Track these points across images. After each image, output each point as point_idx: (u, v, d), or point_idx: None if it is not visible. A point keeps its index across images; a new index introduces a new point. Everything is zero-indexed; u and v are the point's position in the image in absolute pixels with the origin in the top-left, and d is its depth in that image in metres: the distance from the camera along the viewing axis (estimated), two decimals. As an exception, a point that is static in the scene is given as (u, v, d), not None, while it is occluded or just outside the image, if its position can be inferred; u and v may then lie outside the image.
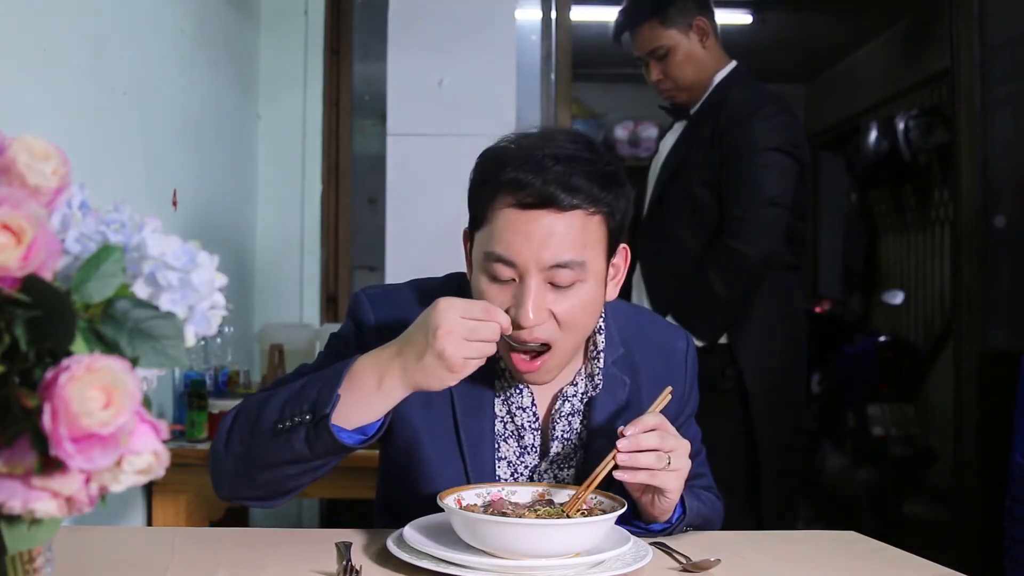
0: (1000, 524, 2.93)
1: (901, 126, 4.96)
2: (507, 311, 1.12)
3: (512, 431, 1.27)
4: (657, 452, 1.10)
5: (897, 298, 5.18)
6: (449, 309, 1.06)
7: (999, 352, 3.52)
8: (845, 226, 5.94)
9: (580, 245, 1.12)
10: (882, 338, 4.71)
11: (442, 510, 1.08)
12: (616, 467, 1.10)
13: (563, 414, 1.27)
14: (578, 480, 1.26)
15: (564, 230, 1.11)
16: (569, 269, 1.12)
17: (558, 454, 1.27)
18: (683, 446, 1.14)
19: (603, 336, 1.28)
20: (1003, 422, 3.00)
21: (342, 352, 1.28)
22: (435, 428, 1.24)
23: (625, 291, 2.44)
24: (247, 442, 1.15)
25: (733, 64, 2.46)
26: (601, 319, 1.27)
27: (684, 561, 1.11)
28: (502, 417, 1.26)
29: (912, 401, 4.54)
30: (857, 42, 5.74)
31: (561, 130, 1.22)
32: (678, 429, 1.30)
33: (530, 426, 1.26)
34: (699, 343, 2.26)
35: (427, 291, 1.30)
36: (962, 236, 3.72)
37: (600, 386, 1.27)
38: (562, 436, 1.27)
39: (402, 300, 1.30)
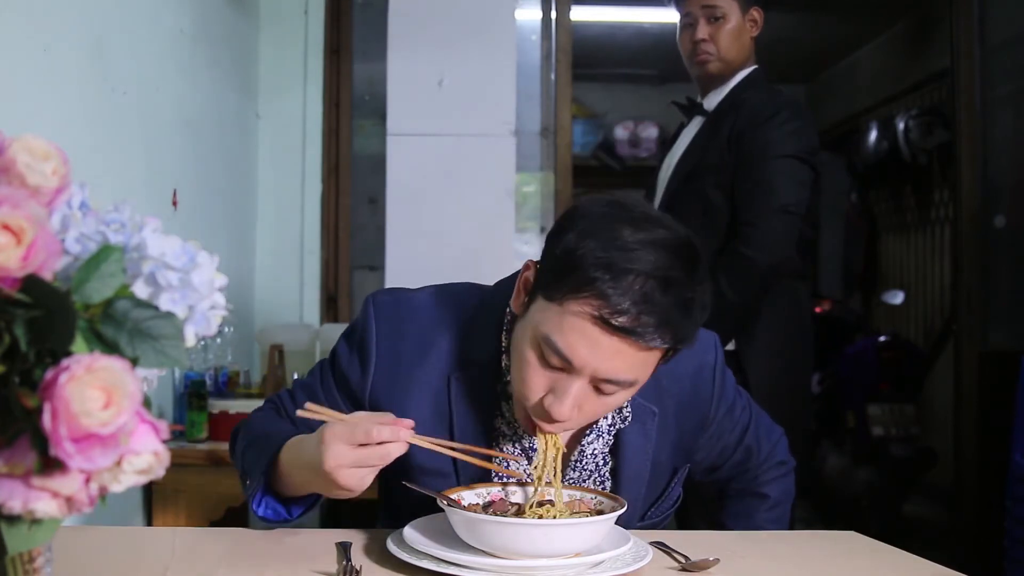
0: (1000, 524, 2.93)
1: (901, 126, 4.96)
2: (544, 396, 1.09)
3: (520, 453, 1.24)
4: None
5: (897, 298, 5.18)
6: (332, 442, 1.02)
7: (999, 352, 3.53)
8: (845, 226, 5.93)
9: (639, 367, 1.07)
10: (882, 338, 4.70)
11: (442, 510, 1.08)
12: None
13: (595, 450, 1.25)
14: None
15: (632, 356, 1.04)
16: (618, 386, 1.07)
17: (572, 480, 1.25)
18: None
19: None
20: (1003, 422, 3.00)
21: (343, 368, 1.27)
22: (437, 466, 1.23)
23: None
24: (237, 466, 1.27)
25: (754, 67, 2.47)
26: None
27: (683, 561, 1.11)
28: (509, 435, 1.23)
29: (912, 401, 4.54)
30: (857, 42, 5.74)
31: (665, 228, 1.08)
32: (708, 438, 1.34)
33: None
34: None
35: (445, 303, 1.27)
36: (962, 236, 3.72)
37: (629, 419, 1.25)
38: (583, 466, 1.25)
39: (413, 313, 1.26)
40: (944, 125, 4.66)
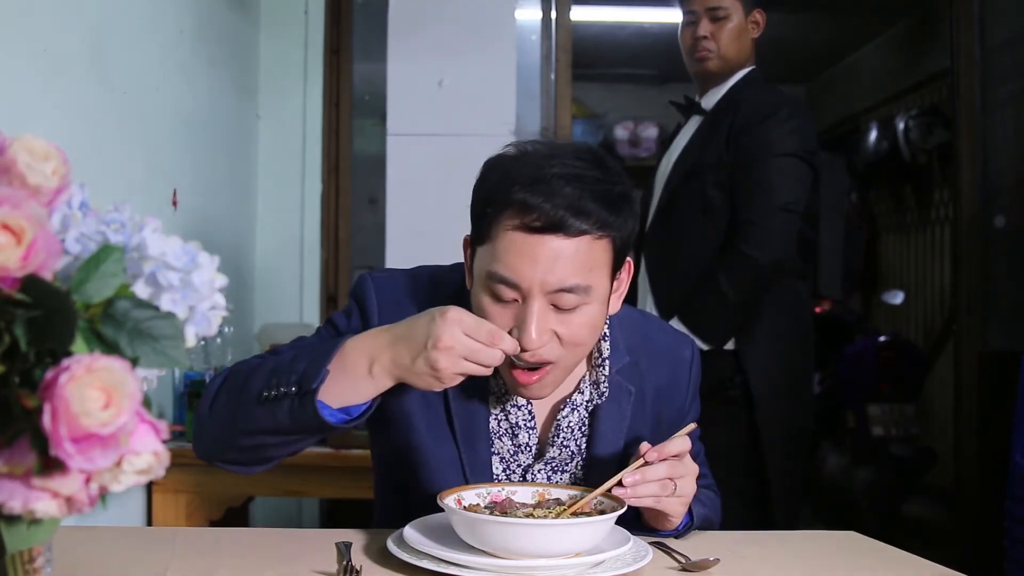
0: (1000, 524, 2.93)
1: (901, 126, 4.96)
2: (510, 332, 1.11)
3: (506, 428, 1.26)
4: (663, 481, 1.11)
5: (897, 298, 5.18)
6: (456, 323, 1.06)
7: (999, 352, 3.52)
8: (845, 226, 5.94)
9: (586, 269, 1.10)
10: (882, 338, 4.70)
11: (442, 510, 1.08)
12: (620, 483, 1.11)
13: (570, 423, 1.26)
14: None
15: (570, 254, 1.08)
16: (573, 293, 1.10)
17: (553, 458, 1.27)
18: (692, 472, 1.15)
19: (608, 343, 1.27)
20: (1003, 422, 2.99)
21: (341, 331, 1.28)
22: (431, 420, 1.24)
23: (630, 293, 2.43)
24: (232, 406, 1.16)
25: (752, 67, 2.48)
26: (606, 327, 1.26)
27: (684, 561, 1.11)
28: (496, 413, 1.26)
29: (912, 401, 4.54)
30: (857, 42, 5.74)
31: (569, 145, 1.17)
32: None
33: (525, 424, 1.26)
34: (705, 347, 2.26)
35: (435, 281, 1.30)
36: (962, 236, 3.71)
37: (606, 395, 1.26)
38: (562, 443, 1.27)
39: (408, 288, 1.29)
40: (944, 125, 4.65)
